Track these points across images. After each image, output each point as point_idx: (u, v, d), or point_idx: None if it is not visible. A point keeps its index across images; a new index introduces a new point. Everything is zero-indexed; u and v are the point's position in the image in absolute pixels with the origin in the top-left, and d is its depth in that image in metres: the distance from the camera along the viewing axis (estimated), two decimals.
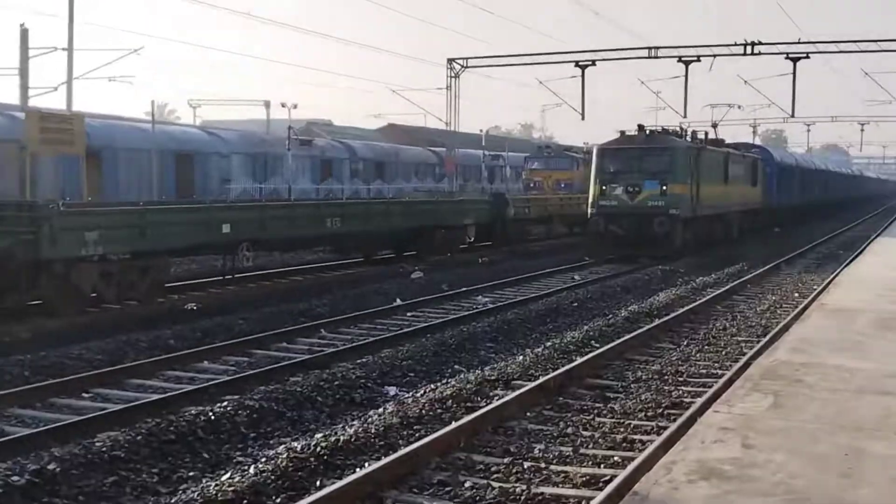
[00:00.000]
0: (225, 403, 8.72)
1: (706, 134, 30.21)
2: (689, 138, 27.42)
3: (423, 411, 8.59)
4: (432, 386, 9.72)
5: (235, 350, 11.81)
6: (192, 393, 9.39)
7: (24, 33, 31.70)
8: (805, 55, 38.49)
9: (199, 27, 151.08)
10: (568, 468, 7.07)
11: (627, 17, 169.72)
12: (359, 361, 10.95)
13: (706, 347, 12.15)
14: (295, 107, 41.79)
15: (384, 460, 6.95)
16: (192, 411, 8.49)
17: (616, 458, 7.29)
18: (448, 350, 11.78)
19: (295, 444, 7.55)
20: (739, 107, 42.47)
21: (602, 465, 7.19)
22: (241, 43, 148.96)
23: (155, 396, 9.30)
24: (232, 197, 30.21)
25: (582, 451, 7.56)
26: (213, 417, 8.28)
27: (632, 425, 8.29)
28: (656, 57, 39.53)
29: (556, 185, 39.66)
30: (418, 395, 9.30)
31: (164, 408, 8.78)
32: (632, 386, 9.91)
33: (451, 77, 43.35)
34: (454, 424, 7.94)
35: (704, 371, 10.65)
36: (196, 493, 6.47)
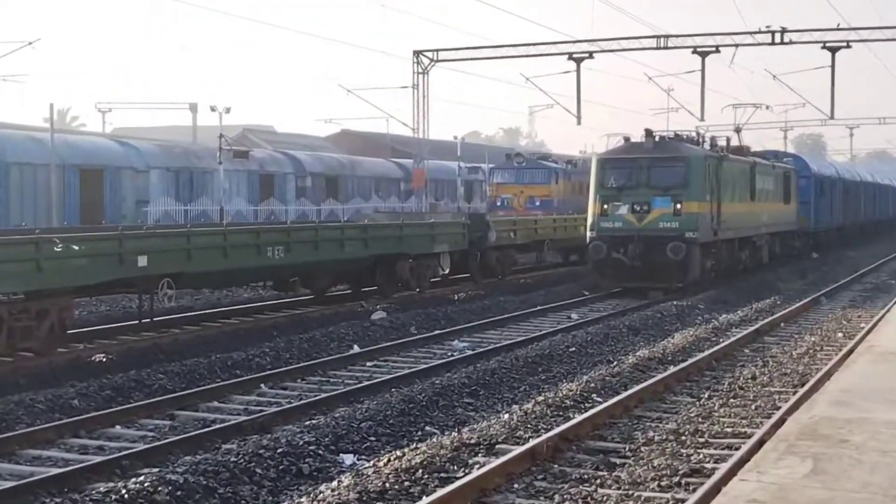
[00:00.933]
0: (142, 479, 8.63)
1: (728, 140, 30.62)
2: (707, 145, 27.72)
3: (387, 484, 8.55)
4: (398, 452, 9.68)
5: (155, 411, 11.74)
6: (101, 465, 9.29)
7: None
8: (845, 44, 39.17)
9: (108, 16, 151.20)
10: None
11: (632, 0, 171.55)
12: (308, 423, 10.91)
13: (732, 401, 12.22)
14: (227, 111, 41.90)
15: None
16: (101, 489, 8.40)
17: None
18: (417, 407, 11.76)
19: None
20: (767, 107, 42.95)
21: None
22: (161, 34, 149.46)
23: (55, 470, 9.19)
24: (150, 222, 30.12)
25: None
26: (126, 496, 8.20)
27: (642, 498, 8.30)
28: (666, 48, 40.09)
29: (528, 203, 39.29)
30: (381, 464, 9.27)
31: (66, 484, 8.67)
32: (642, 449, 9.94)
33: (418, 73, 43.69)
34: (425, 500, 7.92)
35: (730, 430, 10.70)
36: None
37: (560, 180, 40.29)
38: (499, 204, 39.75)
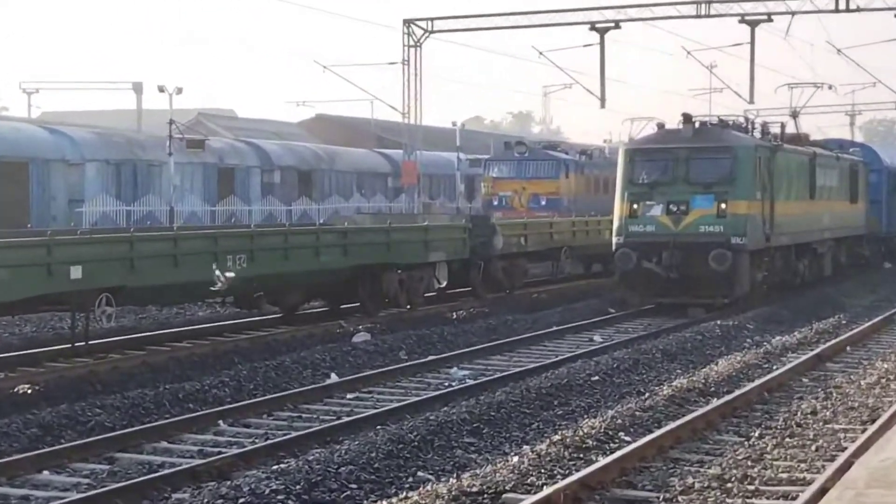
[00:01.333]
0: None
1: (782, 127, 30.56)
2: (757, 133, 27.74)
3: None
4: (385, 503, 9.67)
5: (90, 453, 11.69)
6: None
7: None
8: None
9: None
10: None
11: None
12: (275, 468, 10.88)
13: (787, 440, 12.20)
14: (179, 91, 41.91)
15: None
16: None
17: None
18: (408, 449, 11.74)
19: None
20: (830, 87, 42.92)
21: None
22: (97, 4, 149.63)
23: None
24: (86, 225, 30.09)
25: None
26: None
27: None
28: (708, 16, 40.17)
29: (531, 202, 39.01)
30: None
31: None
32: (679, 499, 9.92)
33: (409, 46, 43.76)
34: None
35: (785, 475, 10.68)
36: None
37: (571, 174, 40.01)
38: (496, 203, 39.35)
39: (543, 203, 38.55)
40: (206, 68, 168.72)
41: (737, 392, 14.73)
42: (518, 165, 40.32)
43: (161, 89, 41.99)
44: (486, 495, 9.82)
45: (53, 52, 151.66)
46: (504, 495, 9.84)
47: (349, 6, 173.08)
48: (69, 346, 17.59)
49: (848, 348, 19.67)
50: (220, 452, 11.83)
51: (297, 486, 10.20)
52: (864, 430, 12.26)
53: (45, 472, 11.10)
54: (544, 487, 9.95)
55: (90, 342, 17.45)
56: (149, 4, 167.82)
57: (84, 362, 16.86)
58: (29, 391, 14.75)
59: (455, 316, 23.82)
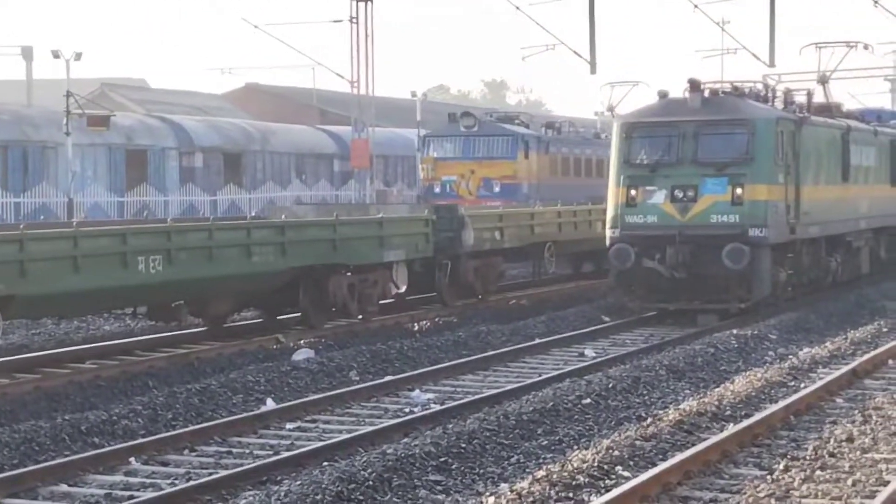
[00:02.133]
0: None
1: (809, 95, 30.70)
2: (779, 103, 27.86)
3: None
4: None
5: None
6: None
7: None
8: None
9: None
10: None
11: None
12: None
13: (818, 473, 12.26)
14: (78, 57, 41.77)
15: None
16: None
17: None
18: (361, 490, 11.74)
19: None
20: (866, 47, 43.17)
21: None
22: None
23: None
24: None
25: None
26: None
27: None
28: None
29: (482, 189, 38.37)
30: None
31: None
32: None
33: (357, 0, 43.78)
34: None
35: None
36: None
37: (532, 153, 39.14)
38: (437, 191, 38.57)
39: (497, 190, 38.02)
40: (111, 31, 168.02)
41: (757, 416, 14.78)
42: (465, 143, 39.24)
43: (56, 55, 41.89)
44: None
45: None
46: None
47: None
48: None
49: (890, 361, 19.78)
50: (131, 497, 11.78)
51: None
52: None
53: None
54: None
55: None
56: None
57: None
58: None
59: (417, 327, 23.86)
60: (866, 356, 19.73)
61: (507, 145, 38.92)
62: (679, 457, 12.55)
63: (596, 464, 12.38)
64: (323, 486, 11.64)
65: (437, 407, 16.30)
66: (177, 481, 12.46)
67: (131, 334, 22.66)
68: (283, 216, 24.75)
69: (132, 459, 13.33)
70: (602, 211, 27.68)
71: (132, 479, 12.71)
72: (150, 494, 11.78)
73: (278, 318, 23.27)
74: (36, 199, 35.86)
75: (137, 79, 73.14)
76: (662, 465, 12.18)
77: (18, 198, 35.37)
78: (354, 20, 42.07)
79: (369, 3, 42.05)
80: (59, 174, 36.84)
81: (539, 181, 38.98)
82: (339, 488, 11.64)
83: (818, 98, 31.35)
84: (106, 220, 33.12)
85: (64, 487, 12.32)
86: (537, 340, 22.24)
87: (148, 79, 75.17)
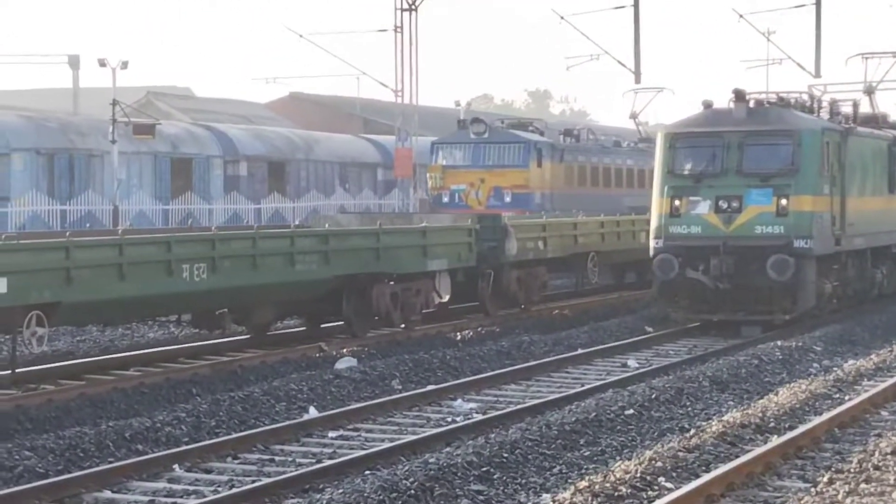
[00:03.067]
0: None
1: (855, 106, 30.60)
2: (825, 114, 27.76)
3: None
4: None
5: None
6: None
7: None
8: None
9: None
10: None
11: None
12: None
13: (862, 486, 12.19)
14: (124, 66, 42.01)
15: None
16: None
17: None
18: (403, 499, 11.75)
19: None
20: None
21: None
22: None
23: None
24: (11, 229, 30.12)
25: None
26: None
27: None
28: None
29: (492, 198, 37.04)
30: None
31: None
32: None
33: (402, 10, 43.89)
34: None
35: None
36: None
37: (546, 161, 37.74)
38: (446, 200, 37.37)
39: (508, 199, 36.73)
40: (158, 40, 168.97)
41: (801, 428, 14.72)
42: (475, 150, 37.83)
43: (102, 63, 42.12)
44: None
45: None
46: None
47: None
48: None
49: None
50: None
51: None
52: None
53: None
54: None
55: (17, 370, 17.46)
56: None
57: (9, 394, 16.88)
58: None
59: (459, 337, 23.83)
60: None
61: (518, 153, 37.58)
62: (722, 468, 12.52)
63: (639, 475, 12.35)
64: (365, 494, 11.66)
65: (480, 416, 16.29)
66: (220, 489, 12.50)
67: (175, 342, 22.74)
68: (326, 225, 24.78)
69: (176, 466, 13.38)
70: (645, 221, 27.61)
71: (175, 486, 12.76)
72: (193, 502, 11.83)
73: (321, 326, 23.32)
74: (82, 207, 36.07)
75: (183, 87, 73.60)
76: (705, 477, 12.14)
77: (65, 205, 35.58)
78: (399, 29, 42.20)
79: (414, 12, 42.16)
80: (105, 182, 37.02)
81: (553, 191, 37.92)
82: (381, 497, 11.65)
83: (864, 109, 31.29)
84: (151, 228, 33.26)
85: (108, 494, 12.38)
86: (580, 351, 22.22)
87: (193, 87, 75.67)
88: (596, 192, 38.73)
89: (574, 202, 35.43)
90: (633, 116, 43.56)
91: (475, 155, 37.51)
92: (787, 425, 15.24)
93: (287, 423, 15.68)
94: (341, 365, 19.90)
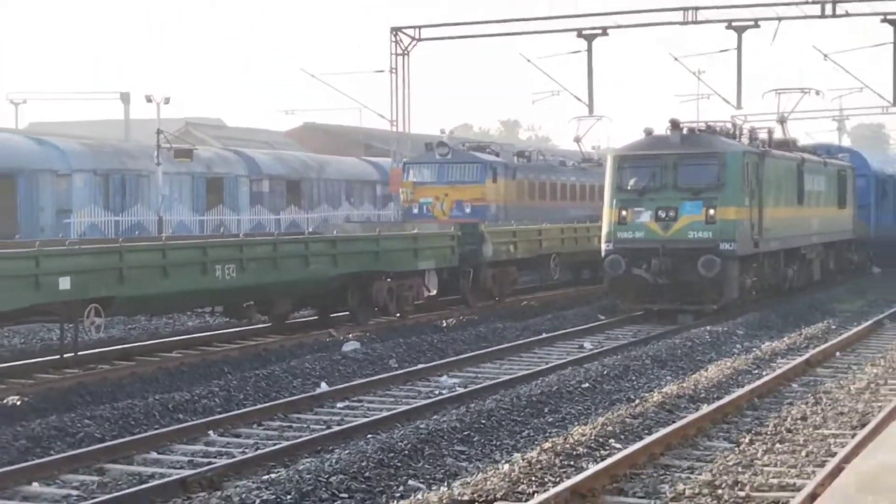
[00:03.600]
0: None
1: (770, 132, 30.64)
2: (745, 139, 27.82)
3: None
4: None
5: (80, 465, 11.68)
6: None
7: None
8: None
9: None
10: None
11: None
12: (266, 478, 10.88)
13: (777, 446, 12.24)
14: (167, 101, 41.80)
15: None
16: None
17: None
18: (399, 457, 11.74)
19: None
20: (818, 93, 43.02)
21: None
22: (85, 13, 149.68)
23: None
24: (74, 236, 30.06)
25: None
26: None
27: None
28: (696, 22, 40.29)
29: (455, 210, 35.54)
30: None
31: None
32: None
33: (397, 55, 43.80)
34: None
35: (776, 481, 10.72)
36: None
37: (500, 178, 36.49)
38: (416, 211, 35.97)
39: (468, 211, 35.22)
40: (194, 78, 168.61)
41: (727, 398, 14.76)
42: (440, 169, 36.41)
43: (149, 99, 41.91)
44: (477, 503, 9.83)
45: (41, 63, 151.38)
46: (495, 503, 9.86)
47: (337, 15, 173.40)
48: (58, 357, 17.58)
49: (837, 353, 19.73)
50: (210, 463, 11.82)
51: (288, 497, 10.20)
52: (853, 436, 12.30)
53: (35, 484, 11.08)
54: (535, 495, 9.96)
55: (79, 353, 17.43)
56: (136, 14, 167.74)
57: (73, 373, 16.85)
58: (18, 403, 14.71)
59: (445, 324, 23.80)
60: (818, 349, 19.67)
61: (476, 171, 36.31)
62: (662, 431, 12.55)
63: (593, 437, 12.39)
64: (367, 454, 11.65)
65: (461, 390, 16.28)
66: (247, 450, 12.50)
67: (210, 329, 22.70)
68: (334, 232, 24.74)
69: (210, 432, 13.39)
70: (597, 228, 27.64)
71: (210, 449, 12.77)
72: (225, 461, 11.82)
73: (330, 315, 23.28)
74: (132, 218, 35.98)
75: (215, 118, 73.18)
76: (648, 439, 12.17)
77: (117, 217, 35.49)
78: (394, 71, 42.09)
79: (406, 56, 42.09)
80: (151, 197, 36.93)
81: (507, 203, 36.64)
82: (381, 456, 11.65)
83: (778, 135, 31.34)
84: (189, 235, 33.20)
85: (154, 455, 12.38)
86: (544, 335, 22.21)
87: (224, 118, 75.19)
88: (544, 204, 37.97)
89: (525, 213, 34.68)
90: (577, 140, 43.47)
91: (440, 173, 36.34)
92: (715, 396, 15.28)
93: (302, 395, 15.67)
94: (347, 347, 19.88)
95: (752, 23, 39.06)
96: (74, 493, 10.87)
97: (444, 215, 34.68)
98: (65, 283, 16.11)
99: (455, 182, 35.71)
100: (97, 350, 18.54)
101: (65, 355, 17.39)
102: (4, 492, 10.80)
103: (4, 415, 14.09)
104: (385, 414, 14.35)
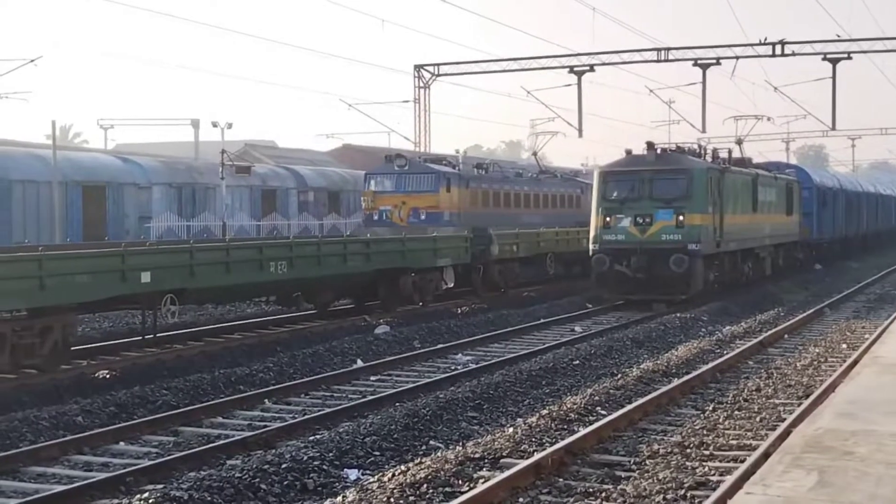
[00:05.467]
0: (146, 495, 8.63)
1: (730, 152, 30.63)
2: (709, 158, 27.75)
3: (392, 499, 8.55)
4: (402, 467, 9.68)
5: (159, 427, 11.75)
6: (106, 482, 9.29)
7: None
8: (846, 55, 39.35)
9: (111, 31, 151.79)
10: None
11: (632, 13, 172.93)
12: (312, 438, 10.91)
13: (736, 413, 12.21)
14: (229, 126, 42.06)
15: None
16: None
17: None
18: (421, 422, 11.76)
19: None
20: (769, 119, 43.03)
21: None
22: (163, 50, 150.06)
23: (59, 488, 9.19)
24: (153, 238, 30.15)
25: None
26: None
27: None
28: (667, 60, 40.30)
29: (412, 217, 32.98)
30: (385, 478, 9.26)
31: (70, 501, 8.65)
32: (647, 462, 9.93)
33: (419, 87, 43.94)
34: None
35: (735, 442, 10.70)
36: None
37: (454, 187, 33.62)
38: (376, 218, 33.36)
39: (423, 217, 32.69)
40: (253, 106, 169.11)
41: (694, 373, 14.74)
42: (398, 179, 33.78)
43: (214, 124, 42.14)
44: (486, 460, 9.84)
45: (126, 93, 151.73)
46: (501, 460, 9.86)
47: (370, 54, 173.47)
48: (140, 338, 17.64)
49: (786, 336, 19.67)
50: (265, 426, 11.86)
51: (330, 454, 10.22)
52: (799, 404, 12.26)
53: (122, 443, 11.14)
54: (535, 453, 9.97)
55: (158, 335, 17.51)
56: (205, 52, 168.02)
57: (153, 352, 16.90)
58: (107, 376, 14.79)
59: (459, 311, 23.80)
60: (770, 332, 19.62)
61: (430, 181, 33.54)
62: (640, 400, 12.54)
63: (583, 405, 12.37)
64: (395, 419, 11.67)
65: (474, 366, 16.28)
66: (296, 416, 12.53)
67: (265, 315, 22.74)
68: (368, 235, 24.77)
69: (266, 401, 13.42)
70: (586, 232, 27.59)
71: (266, 414, 12.79)
72: (278, 424, 11.85)
73: (365, 304, 23.32)
74: (201, 223, 36.02)
75: (269, 140, 73.19)
76: (628, 406, 12.16)
77: (189, 222, 35.57)
78: (417, 101, 42.15)
79: (427, 89, 42.15)
80: (216, 206, 37.00)
81: (460, 211, 33.77)
82: (406, 421, 11.66)
83: (736, 154, 31.33)
84: (248, 237, 33.27)
85: (220, 419, 12.42)
86: (542, 320, 22.18)
87: (277, 140, 75.27)
88: (497, 211, 35.31)
89: (479, 220, 32.01)
90: (534, 153, 42.65)
91: (398, 182, 33.62)
92: (684, 371, 15.25)
93: (342, 370, 15.68)
94: (379, 330, 19.89)
95: (714, 60, 39.02)
96: (154, 450, 10.92)
97: (401, 221, 32.40)
98: (146, 277, 16.16)
99: (411, 191, 33.21)
100: (172, 332, 18.59)
101: (145, 337, 17.46)
102: (96, 449, 10.86)
103: (96, 386, 14.17)
104: (410, 386, 14.36)
